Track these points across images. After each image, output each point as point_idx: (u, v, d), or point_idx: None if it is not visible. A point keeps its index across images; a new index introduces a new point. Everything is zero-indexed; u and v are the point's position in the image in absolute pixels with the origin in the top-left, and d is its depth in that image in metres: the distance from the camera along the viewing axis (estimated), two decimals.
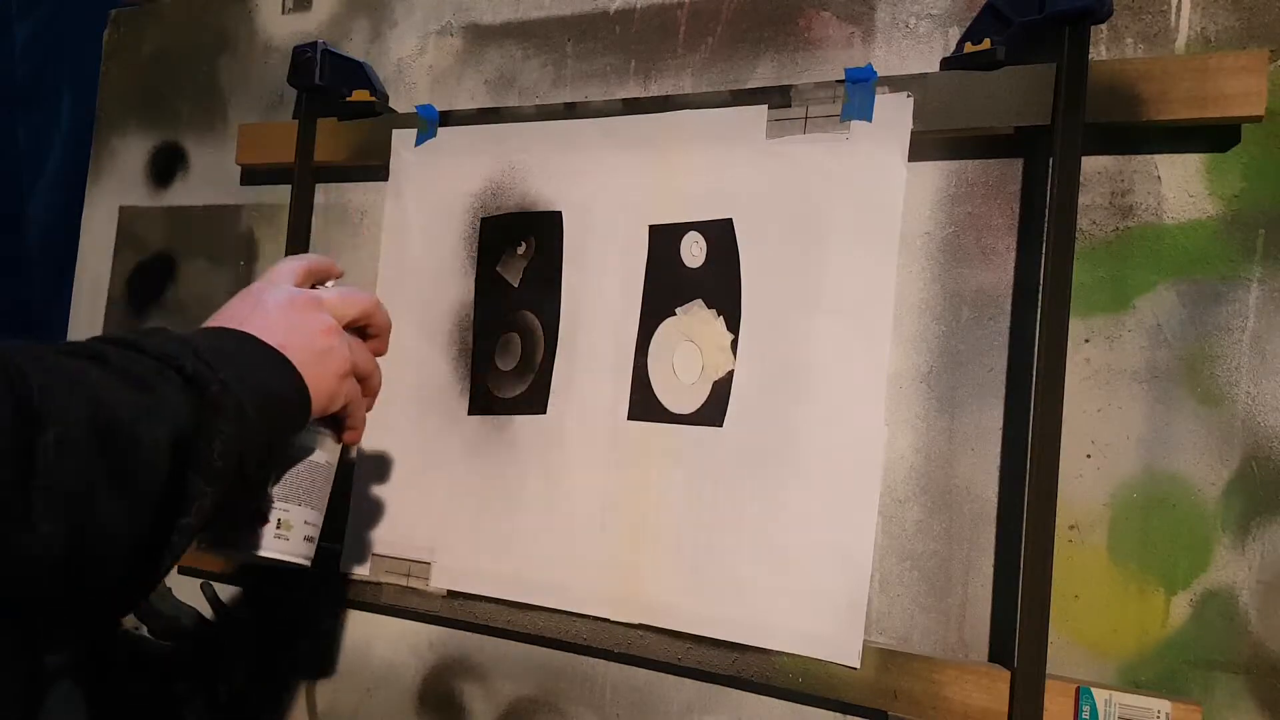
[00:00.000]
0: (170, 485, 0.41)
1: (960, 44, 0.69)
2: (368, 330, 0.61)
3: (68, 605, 0.40)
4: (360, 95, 0.92)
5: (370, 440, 0.89)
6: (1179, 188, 0.65)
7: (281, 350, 0.50)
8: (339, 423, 0.60)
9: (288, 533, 0.58)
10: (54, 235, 1.17)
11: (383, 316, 0.61)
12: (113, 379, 0.40)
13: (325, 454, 0.60)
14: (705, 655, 0.72)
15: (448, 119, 0.89)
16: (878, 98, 0.70)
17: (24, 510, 0.35)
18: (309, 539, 0.61)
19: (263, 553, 0.57)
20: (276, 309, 0.52)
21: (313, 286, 0.59)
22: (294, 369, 0.50)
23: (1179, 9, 0.66)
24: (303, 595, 0.91)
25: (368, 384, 0.60)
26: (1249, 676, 0.61)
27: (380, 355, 0.62)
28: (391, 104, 0.95)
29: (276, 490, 0.58)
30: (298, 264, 0.58)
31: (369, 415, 0.63)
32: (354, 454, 0.89)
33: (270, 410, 0.48)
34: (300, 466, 0.59)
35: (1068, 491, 0.64)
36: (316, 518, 0.61)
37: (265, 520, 0.58)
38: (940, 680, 0.65)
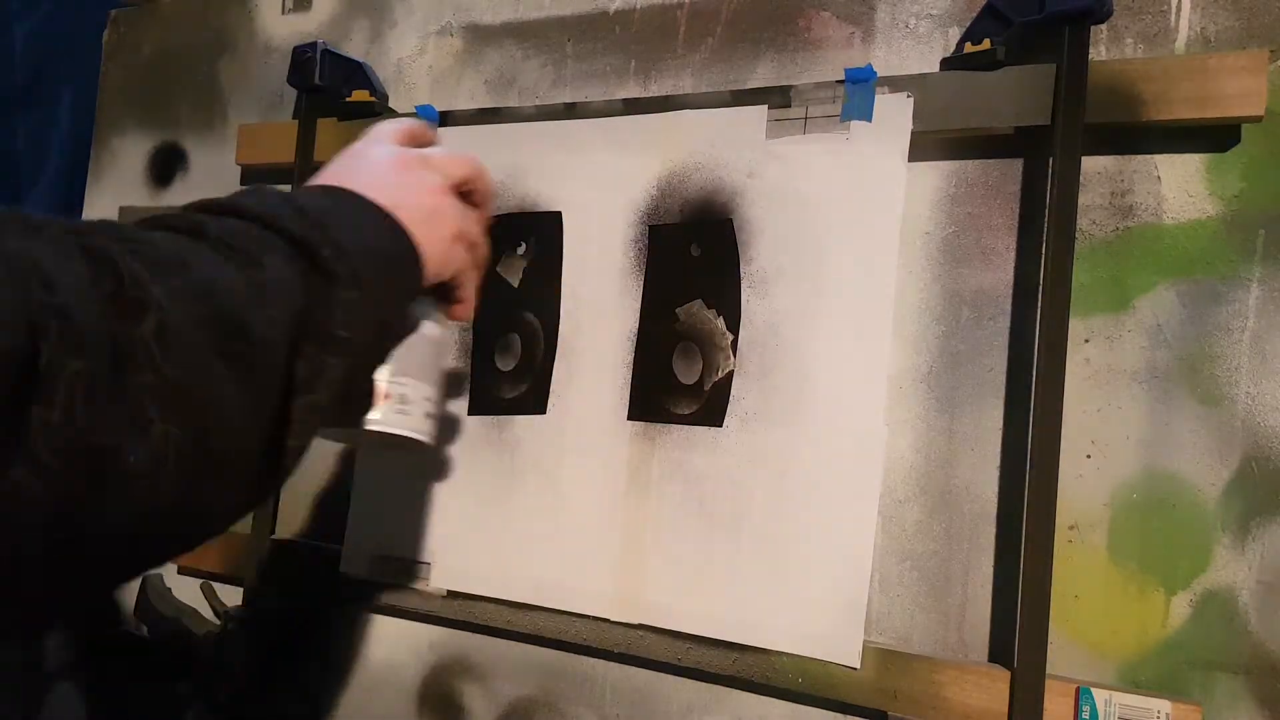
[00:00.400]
0: (293, 363, 0.38)
1: (960, 44, 0.69)
2: (473, 196, 0.56)
3: (192, 509, 0.35)
4: (360, 95, 0.92)
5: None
6: (1179, 188, 0.65)
7: (391, 209, 0.46)
8: (449, 295, 0.56)
9: (408, 408, 0.54)
10: None
11: (487, 182, 0.57)
12: (213, 255, 0.36)
13: (438, 328, 0.56)
14: (705, 655, 0.72)
15: (447, 119, 0.89)
16: (878, 98, 0.70)
17: (133, 411, 0.30)
18: (429, 415, 0.56)
19: (387, 428, 0.53)
20: (383, 166, 0.49)
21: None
22: (405, 229, 0.47)
23: (1179, 9, 0.66)
24: (302, 595, 0.91)
25: (476, 254, 0.56)
26: (1249, 676, 0.61)
27: (487, 223, 0.58)
28: (391, 104, 0.95)
29: (393, 364, 0.54)
30: (398, 125, 0.55)
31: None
32: (358, 450, 0.89)
33: (386, 273, 0.44)
34: (414, 339, 0.55)
35: (1068, 491, 0.64)
36: (435, 394, 0.57)
37: (386, 395, 0.53)
38: (940, 680, 0.65)
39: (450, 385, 0.84)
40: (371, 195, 0.46)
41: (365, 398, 0.53)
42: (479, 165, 0.56)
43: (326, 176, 0.48)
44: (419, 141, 0.56)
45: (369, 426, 0.53)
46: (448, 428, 0.85)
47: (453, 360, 0.58)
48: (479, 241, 0.56)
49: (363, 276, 0.41)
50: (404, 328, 0.54)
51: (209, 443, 0.34)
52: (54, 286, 0.28)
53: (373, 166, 0.49)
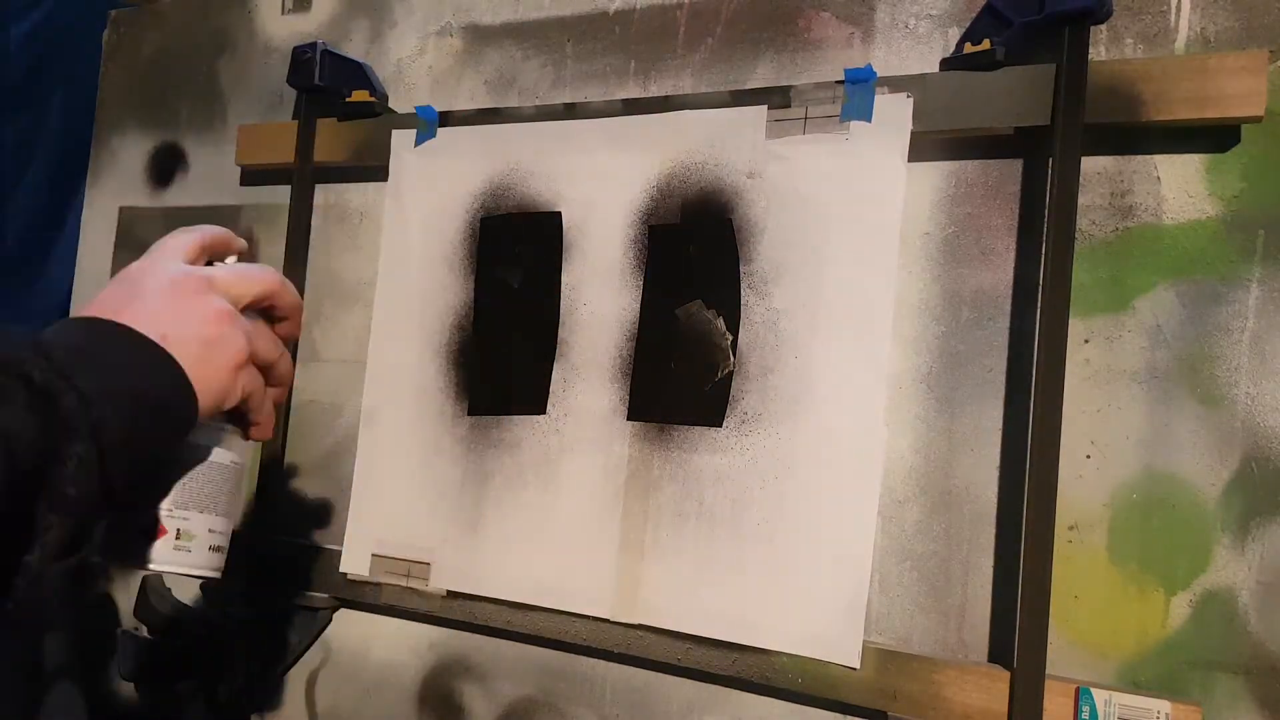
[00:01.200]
0: (10, 521, 0.36)
1: (960, 44, 0.69)
2: (273, 312, 0.53)
3: None
4: (360, 96, 0.92)
5: (370, 440, 0.89)
6: (1179, 188, 0.65)
7: (161, 343, 0.43)
8: (242, 419, 0.53)
9: (189, 543, 0.53)
10: (32, 236, 1.17)
11: (289, 296, 0.54)
12: None
13: (231, 454, 0.55)
14: (705, 655, 0.72)
15: (447, 119, 0.89)
16: (877, 98, 0.70)
17: None
18: (216, 549, 0.55)
19: (160, 567, 0.52)
20: (158, 294, 0.46)
21: (208, 263, 0.52)
22: (175, 365, 0.43)
23: (1179, 9, 0.66)
24: (302, 595, 0.91)
25: (273, 373, 0.53)
26: (1249, 677, 0.61)
27: (292, 339, 0.55)
28: (391, 104, 0.95)
29: (173, 498, 0.52)
30: (189, 237, 0.51)
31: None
32: (356, 435, 0.89)
33: (144, 418, 0.42)
34: (200, 469, 0.53)
35: (1067, 492, 0.64)
36: (224, 525, 0.56)
37: (163, 531, 0.52)
38: (940, 681, 0.65)
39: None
40: (141, 327, 0.43)
41: (142, 535, 0.52)
42: (276, 280, 0.53)
43: (99, 304, 0.45)
44: (217, 252, 0.53)
45: (148, 566, 0.52)
46: (448, 428, 0.85)
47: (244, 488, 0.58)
48: (274, 359, 0.52)
49: (110, 425, 0.39)
50: (185, 460, 0.53)
51: None
52: None
53: (147, 295, 0.46)
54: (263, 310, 0.53)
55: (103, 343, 0.42)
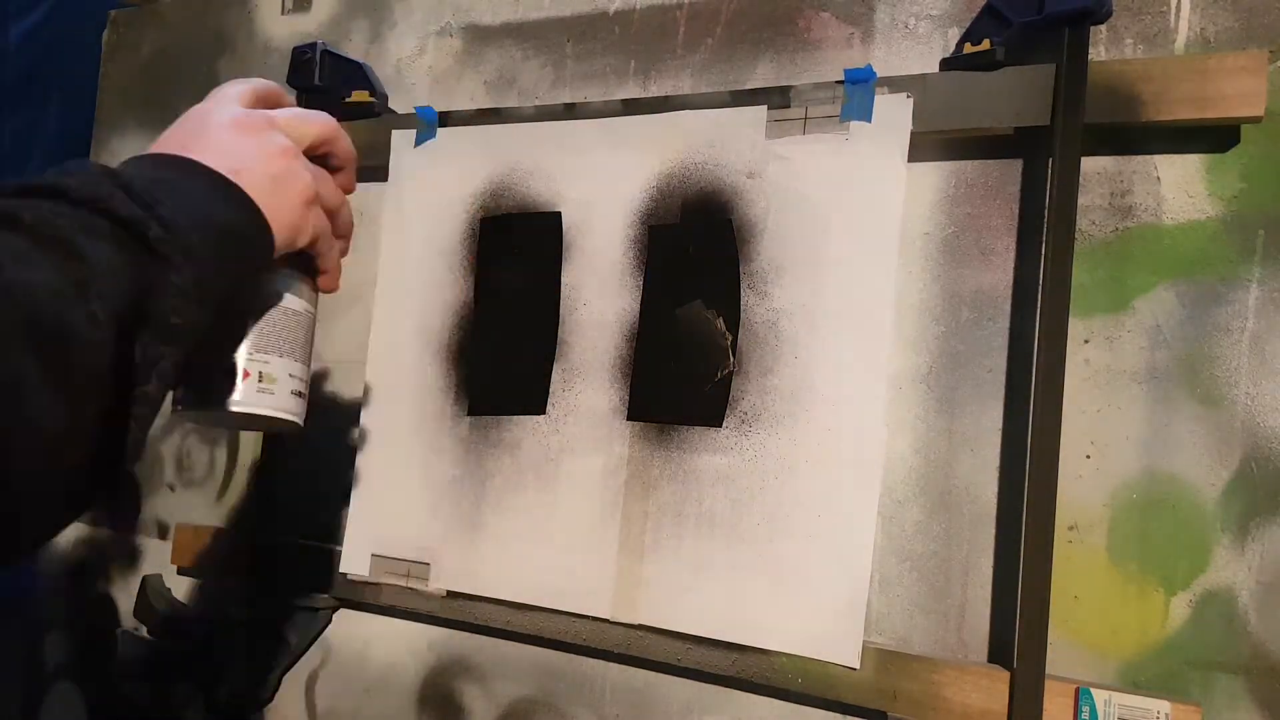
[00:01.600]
0: (121, 357, 0.36)
1: (960, 45, 0.69)
2: (330, 160, 0.53)
3: (16, 509, 0.34)
4: (360, 96, 0.92)
5: (370, 440, 0.89)
6: (1178, 188, 0.65)
7: (232, 176, 0.43)
8: (311, 266, 0.53)
9: (272, 386, 0.51)
10: None
11: (346, 144, 0.53)
12: (30, 249, 0.34)
13: (301, 301, 0.54)
14: (705, 655, 0.72)
15: (447, 120, 0.89)
16: (877, 98, 0.70)
17: None
18: (297, 394, 0.53)
19: (247, 409, 0.51)
20: (223, 130, 0.45)
21: None
22: (248, 197, 0.43)
23: (1178, 10, 0.66)
24: (302, 595, 0.91)
25: (337, 221, 0.53)
26: (1249, 677, 0.61)
27: (348, 192, 0.54)
28: (391, 105, 0.95)
29: (252, 340, 0.51)
30: (245, 86, 0.50)
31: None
32: (355, 435, 0.89)
33: (226, 247, 0.42)
34: (275, 313, 0.52)
35: (1067, 492, 0.64)
36: (303, 371, 0.54)
37: (246, 374, 0.50)
38: (940, 681, 0.65)
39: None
40: (210, 162, 0.43)
41: (224, 378, 0.50)
42: (334, 125, 0.52)
43: (163, 143, 0.45)
44: (269, 103, 0.52)
45: (231, 408, 0.50)
46: (448, 428, 0.85)
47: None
48: (338, 206, 0.52)
49: (198, 254, 0.39)
50: (259, 302, 0.52)
51: (14, 448, 0.32)
52: None
53: (213, 130, 0.45)
54: (320, 160, 0.52)
55: (179, 175, 0.42)
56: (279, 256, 0.47)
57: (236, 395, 0.50)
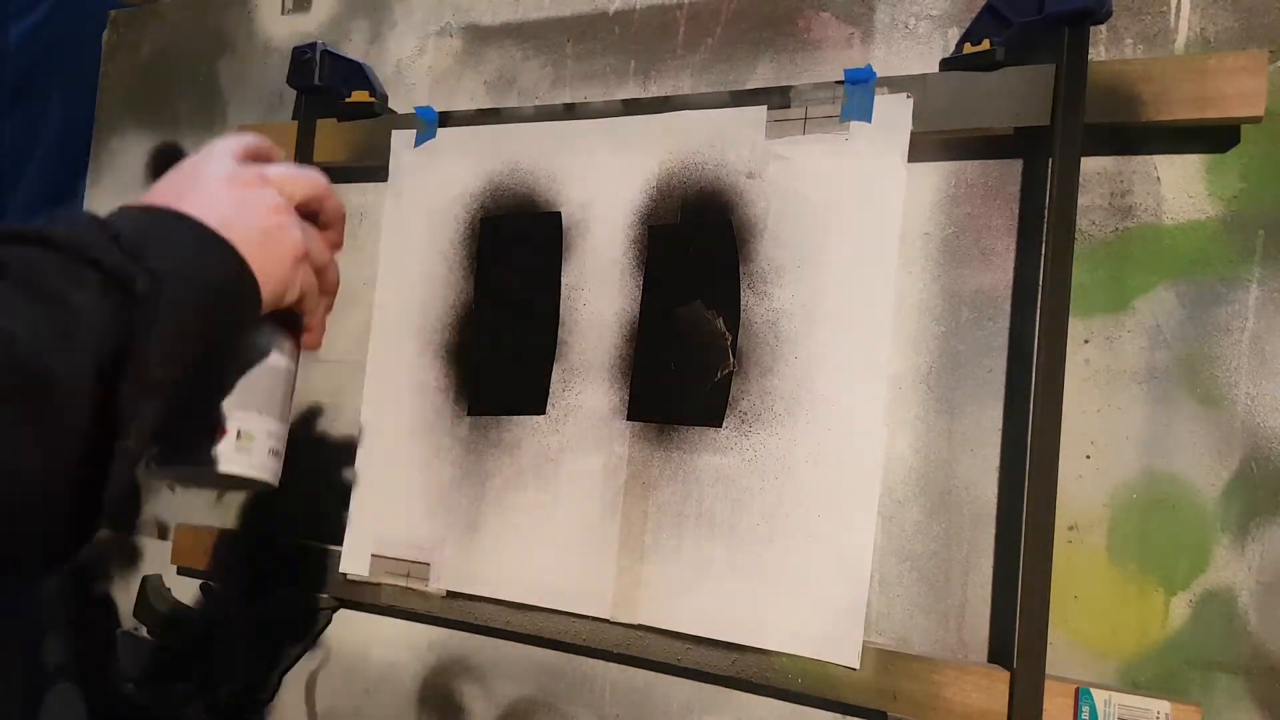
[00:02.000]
0: (101, 408, 0.36)
1: (959, 45, 0.69)
2: (319, 217, 0.52)
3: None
4: (360, 96, 0.92)
5: (370, 440, 0.89)
6: (1178, 188, 0.65)
7: (223, 230, 0.42)
8: (296, 322, 0.52)
9: (250, 445, 0.50)
10: None
11: (335, 201, 0.53)
12: (14, 296, 0.34)
13: (284, 358, 0.52)
14: (705, 655, 0.72)
15: (447, 120, 0.89)
16: (877, 98, 0.70)
17: None
18: (274, 452, 0.52)
19: (224, 468, 0.49)
20: (215, 183, 0.45)
21: None
22: (236, 251, 0.43)
23: (1178, 10, 0.66)
24: (302, 595, 0.91)
25: (324, 278, 0.52)
26: (1248, 677, 0.61)
27: (336, 249, 0.54)
28: (391, 105, 0.95)
29: (234, 397, 0.50)
30: (237, 141, 0.51)
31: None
32: (355, 435, 0.89)
33: (212, 302, 0.41)
34: (257, 370, 0.51)
35: (1067, 492, 0.64)
36: (281, 430, 0.53)
37: (224, 431, 0.49)
38: (939, 681, 0.65)
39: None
40: (200, 215, 0.43)
41: (202, 434, 0.49)
42: (324, 182, 0.52)
43: (156, 194, 0.45)
44: (261, 157, 0.52)
45: (207, 466, 0.49)
46: (448, 428, 0.85)
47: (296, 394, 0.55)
48: (326, 263, 0.52)
49: (183, 307, 0.39)
50: (241, 357, 0.51)
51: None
52: None
53: (205, 184, 0.45)
54: (309, 216, 0.52)
55: (168, 226, 0.42)
56: (264, 312, 0.47)
57: (214, 454, 0.49)
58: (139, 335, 0.37)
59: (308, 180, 0.51)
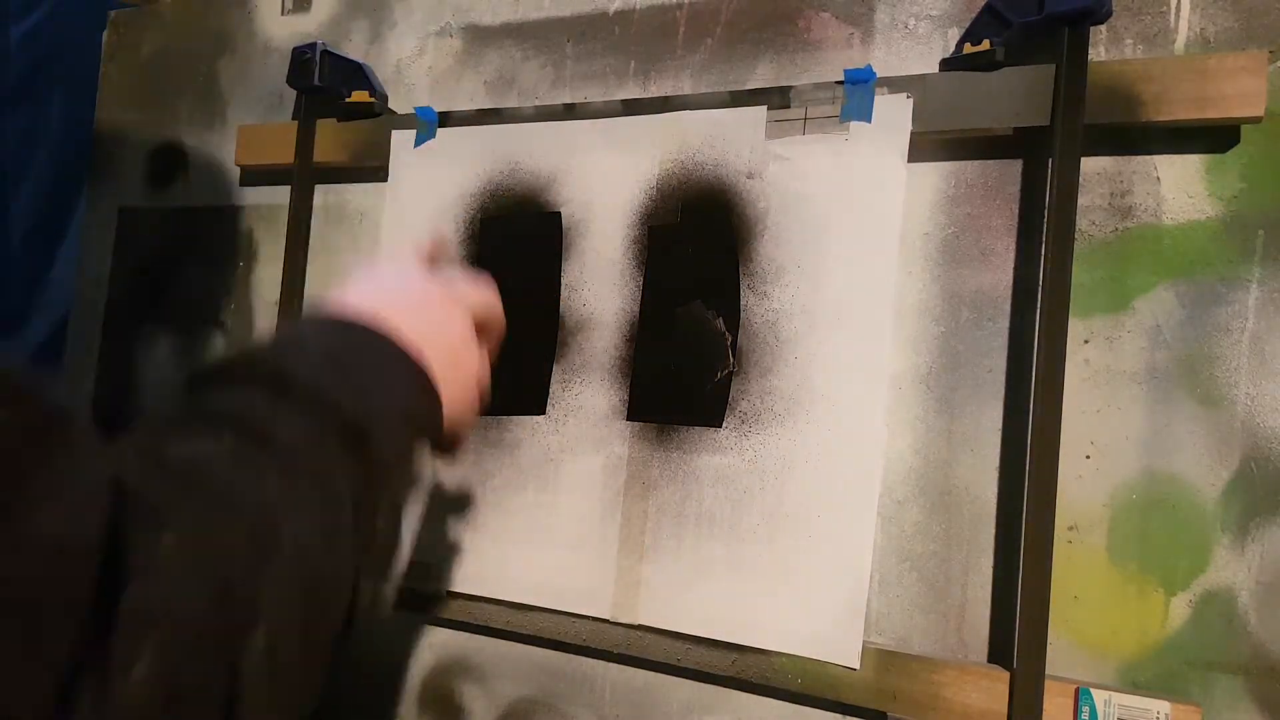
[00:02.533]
0: (355, 585, 0.36)
1: (959, 45, 0.69)
2: (483, 333, 0.50)
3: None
4: (359, 96, 0.92)
5: None
6: (1178, 188, 0.65)
7: (419, 355, 0.41)
8: (445, 443, 0.48)
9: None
10: (36, 237, 1.17)
11: (500, 313, 0.51)
12: (295, 495, 0.32)
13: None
14: (705, 656, 0.72)
15: (447, 120, 0.89)
16: (877, 98, 0.70)
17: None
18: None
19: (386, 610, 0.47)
20: (415, 301, 0.44)
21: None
22: (433, 384, 0.41)
23: (1178, 10, 0.66)
24: None
25: (483, 400, 0.50)
26: (1248, 677, 0.61)
27: (493, 365, 0.52)
28: (391, 105, 0.95)
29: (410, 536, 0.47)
30: (421, 247, 0.50)
31: None
32: None
33: (414, 438, 0.40)
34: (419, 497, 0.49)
35: (1067, 492, 0.64)
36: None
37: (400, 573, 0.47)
38: (939, 681, 0.65)
39: None
40: (403, 332, 0.41)
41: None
42: (495, 295, 0.51)
43: (356, 295, 0.43)
44: (438, 258, 0.51)
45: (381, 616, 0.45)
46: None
47: None
48: (486, 385, 0.50)
49: (400, 465, 0.38)
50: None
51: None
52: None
53: (405, 298, 0.44)
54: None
55: (378, 359, 0.40)
56: None
57: (387, 604, 0.46)
58: (371, 503, 0.36)
59: (485, 296, 0.50)
